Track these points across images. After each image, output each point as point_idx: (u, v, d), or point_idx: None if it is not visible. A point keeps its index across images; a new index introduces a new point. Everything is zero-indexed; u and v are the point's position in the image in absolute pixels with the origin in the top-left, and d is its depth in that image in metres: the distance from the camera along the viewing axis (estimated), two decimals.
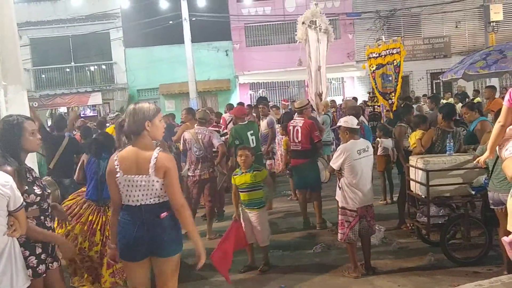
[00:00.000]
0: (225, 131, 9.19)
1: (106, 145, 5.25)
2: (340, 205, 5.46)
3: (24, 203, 2.92)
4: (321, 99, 10.45)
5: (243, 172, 5.65)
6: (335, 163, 5.38)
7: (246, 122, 7.61)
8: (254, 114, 10.74)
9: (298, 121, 7.43)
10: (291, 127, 7.47)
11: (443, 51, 23.75)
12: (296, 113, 7.77)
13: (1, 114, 3.52)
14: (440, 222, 5.62)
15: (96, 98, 23.74)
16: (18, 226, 2.84)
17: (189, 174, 7.15)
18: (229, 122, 10.10)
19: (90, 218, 5.01)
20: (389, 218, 7.41)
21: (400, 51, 11.21)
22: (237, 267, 5.77)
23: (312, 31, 10.19)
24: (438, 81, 22.25)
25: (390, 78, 11.44)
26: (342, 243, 5.69)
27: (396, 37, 12.61)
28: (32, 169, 3.39)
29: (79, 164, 5.55)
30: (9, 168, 3.01)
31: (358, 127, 5.59)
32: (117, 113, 14.89)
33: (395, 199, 7.99)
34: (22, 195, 3.04)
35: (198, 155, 7.00)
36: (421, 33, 24.13)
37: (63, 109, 24.21)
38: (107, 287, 4.94)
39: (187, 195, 7.07)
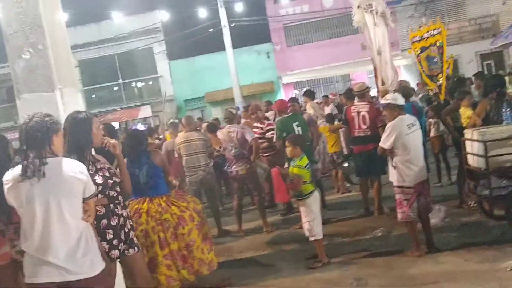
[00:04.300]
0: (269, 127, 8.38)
1: (134, 145, 5.42)
2: (396, 184, 5.32)
3: (96, 192, 3.04)
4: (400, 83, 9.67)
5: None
6: (386, 142, 5.26)
7: (290, 114, 7.54)
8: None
9: (362, 106, 7.12)
10: (354, 113, 7.13)
11: (491, 31, 22.82)
12: (356, 98, 7.48)
13: (59, 115, 3.67)
14: (503, 194, 5.40)
15: (146, 111, 24.41)
16: (91, 212, 2.97)
17: (228, 171, 7.31)
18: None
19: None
20: (449, 199, 7.19)
21: (441, 31, 10.93)
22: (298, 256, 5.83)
23: (369, 14, 9.77)
24: (489, 61, 21.46)
25: (436, 60, 11.15)
26: (402, 225, 5.57)
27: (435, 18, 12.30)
28: (98, 160, 3.55)
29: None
30: None
31: (403, 103, 5.45)
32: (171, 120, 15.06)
33: (453, 179, 7.76)
34: None
35: (234, 153, 7.08)
36: (466, 14, 23.34)
37: (115, 124, 25.03)
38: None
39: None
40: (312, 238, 5.53)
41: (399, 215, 5.33)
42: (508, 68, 19.29)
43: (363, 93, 7.35)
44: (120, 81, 25.48)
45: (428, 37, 11.34)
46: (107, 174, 3.45)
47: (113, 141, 3.71)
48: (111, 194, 3.45)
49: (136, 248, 3.62)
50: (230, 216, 7.65)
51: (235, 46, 22.21)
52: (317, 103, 12.29)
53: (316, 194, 5.64)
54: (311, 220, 5.49)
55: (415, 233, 5.32)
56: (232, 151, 7.08)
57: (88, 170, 3.32)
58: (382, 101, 5.42)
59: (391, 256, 5.41)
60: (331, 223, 6.97)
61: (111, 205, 3.46)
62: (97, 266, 2.92)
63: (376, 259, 5.40)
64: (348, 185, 9.31)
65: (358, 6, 10.03)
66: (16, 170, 2.83)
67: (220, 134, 7.33)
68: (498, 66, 21.67)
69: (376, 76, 9.63)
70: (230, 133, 7.10)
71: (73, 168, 2.88)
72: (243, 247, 6.70)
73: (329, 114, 9.86)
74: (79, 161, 3.23)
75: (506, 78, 15.17)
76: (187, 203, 5.67)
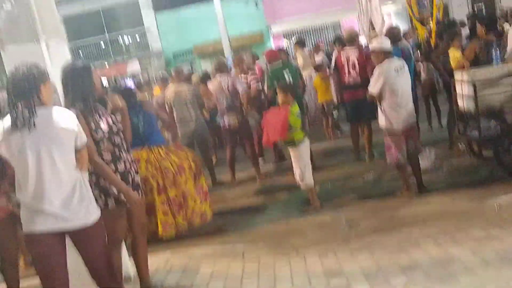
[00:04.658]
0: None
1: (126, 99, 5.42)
2: (384, 128, 5.38)
3: (85, 142, 3.03)
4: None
5: None
6: (374, 87, 5.26)
7: (280, 63, 7.49)
8: None
9: (351, 52, 7.04)
10: (344, 60, 7.05)
11: None
12: (346, 45, 7.38)
13: (46, 66, 3.62)
14: (492, 136, 5.46)
15: (134, 66, 24.11)
16: (83, 162, 2.98)
17: (221, 123, 7.29)
18: None
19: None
20: (439, 143, 7.27)
21: None
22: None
23: None
24: (480, 3, 21.11)
25: (425, 2, 11.01)
26: (392, 169, 5.66)
27: None
28: (102, 107, 3.56)
29: None
30: (74, 111, 3.16)
31: (391, 47, 5.41)
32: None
33: (443, 124, 7.81)
34: (91, 133, 3.26)
35: (225, 104, 7.04)
36: None
37: (104, 80, 24.74)
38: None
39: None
40: (303, 186, 5.61)
41: (388, 159, 5.41)
42: (499, 11, 19.02)
43: (353, 39, 7.27)
44: (107, 36, 24.98)
45: None
46: (110, 120, 3.48)
47: (115, 96, 3.77)
48: (116, 140, 3.48)
49: (140, 192, 3.69)
50: (223, 167, 7.71)
51: None
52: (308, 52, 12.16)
53: (307, 142, 5.69)
54: (302, 167, 5.56)
55: (405, 175, 5.42)
56: (224, 102, 7.05)
57: (93, 118, 3.34)
58: (370, 46, 5.38)
59: (381, 199, 5.53)
60: (322, 169, 7.05)
61: (117, 151, 3.49)
62: (93, 213, 2.96)
63: (367, 202, 5.52)
64: (338, 132, 9.40)
65: None
66: (6, 122, 2.82)
67: (211, 85, 7.26)
68: (489, 9, 21.37)
69: (360, 22, 9.48)
70: (221, 84, 7.05)
71: (64, 118, 2.87)
72: (237, 196, 6.80)
73: (320, 63, 9.79)
74: (84, 110, 3.29)
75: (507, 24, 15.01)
76: (186, 153, 5.72)
